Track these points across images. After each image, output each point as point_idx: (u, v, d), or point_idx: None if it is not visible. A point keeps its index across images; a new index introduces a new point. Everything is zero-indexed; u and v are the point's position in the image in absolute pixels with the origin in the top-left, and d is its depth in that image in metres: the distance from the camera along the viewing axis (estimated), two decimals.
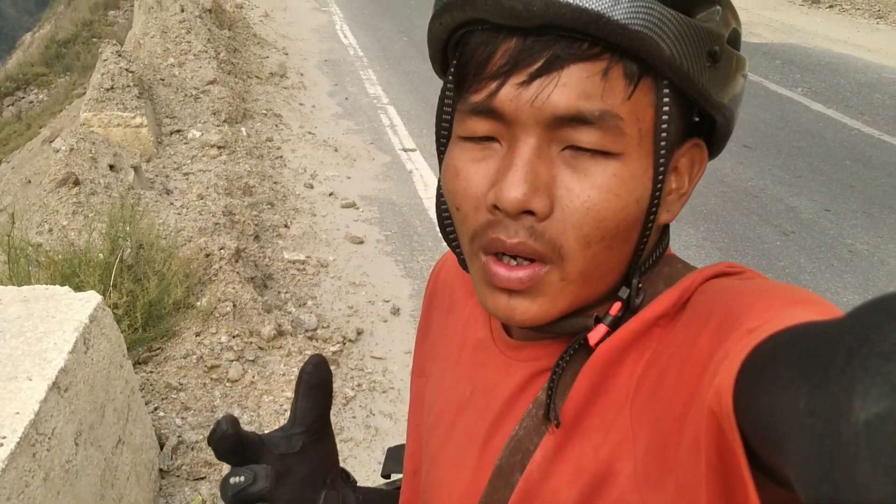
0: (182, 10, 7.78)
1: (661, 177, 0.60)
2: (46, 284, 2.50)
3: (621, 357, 0.61)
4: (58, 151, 4.32)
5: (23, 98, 17.83)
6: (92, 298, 2.25)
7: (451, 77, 0.63)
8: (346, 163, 6.15)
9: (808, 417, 0.34)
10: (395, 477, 1.07)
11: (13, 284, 2.81)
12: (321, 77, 8.42)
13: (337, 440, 3.00)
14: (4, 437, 1.69)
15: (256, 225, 4.61)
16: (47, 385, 1.87)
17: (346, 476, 0.93)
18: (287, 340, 3.51)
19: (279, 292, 4.08)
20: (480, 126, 0.60)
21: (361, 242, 4.86)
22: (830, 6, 11.43)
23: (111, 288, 3.14)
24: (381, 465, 1.10)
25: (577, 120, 0.57)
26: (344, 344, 3.70)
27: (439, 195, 0.70)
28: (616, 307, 0.64)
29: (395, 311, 4.09)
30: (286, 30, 10.27)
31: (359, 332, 3.82)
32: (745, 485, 0.43)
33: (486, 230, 0.61)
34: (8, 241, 3.13)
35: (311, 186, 5.63)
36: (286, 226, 4.88)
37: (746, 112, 7.21)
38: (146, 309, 3.21)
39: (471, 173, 0.62)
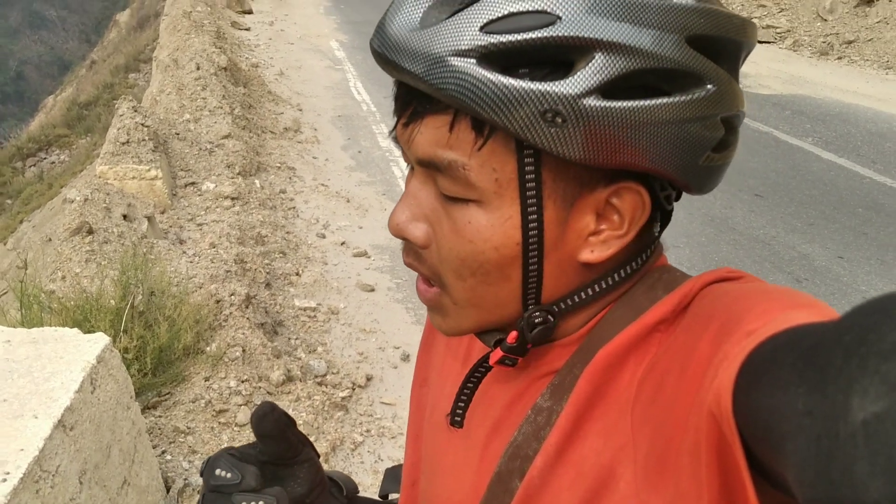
0: (198, 69, 7.95)
1: (533, 224, 0.60)
2: (58, 328, 2.52)
3: (621, 362, 0.61)
4: (72, 202, 4.39)
5: (45, 158, 18.17)
6: (100, 340, 2.26)
7: None
8: (358, 213, 6.21)
9: (806, 418, 0.34)
10: (392, 496, 1.06)
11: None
12: (334, 131, 8.54)
13: None
14: (8, 473, 1.69)
15: (268, 273, 4.64)
16: (53, 423, 1.87)
17: (338, 489, 0.93)
18: (296, 386, 3.51)
19: (289, 338, 4.09)
20: (405, 155, 0.65)
21: (372, 290, 4.88)
22: (839, 58, 11.52)
23: (122, 333, 3.16)
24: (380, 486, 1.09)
25: (432, 166, 0.61)
26: (353, 390, 3.69)
27: None
28: (512, 336, 0.66)
29: (405, 358, 4.08)
30: (301, 87, 10.46)
31: (368, 378, 3.81)
32: (745, 488, 0.43)
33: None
34: (20, 287, 3.16)
35: (324, 236, 5.68)
36: (297, 274, 4.91)
37: (757, 161, 7.23)
38: (156, 354, 3.22)
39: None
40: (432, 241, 0.63)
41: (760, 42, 12.79)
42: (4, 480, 1.66)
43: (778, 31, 12.87)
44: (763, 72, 10.80)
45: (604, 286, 0.66)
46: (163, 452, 2.92)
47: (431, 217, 0.63)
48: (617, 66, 0.54)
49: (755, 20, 13.26)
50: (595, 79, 0.54)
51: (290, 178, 6.86)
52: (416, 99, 0.59)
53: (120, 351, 2.83)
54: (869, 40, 11.61)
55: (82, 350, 2.19)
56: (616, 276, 0.66)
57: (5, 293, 5.20)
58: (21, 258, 5.31)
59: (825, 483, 0.31)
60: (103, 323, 3.13)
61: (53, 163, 17.76)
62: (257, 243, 5.03)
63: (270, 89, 9.75)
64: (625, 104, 0.55)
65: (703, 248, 5.53)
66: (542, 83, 0.54)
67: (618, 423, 0.60)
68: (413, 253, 0.65)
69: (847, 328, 0.34)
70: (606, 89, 0.54)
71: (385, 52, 0.58)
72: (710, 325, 0.52)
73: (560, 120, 0.54)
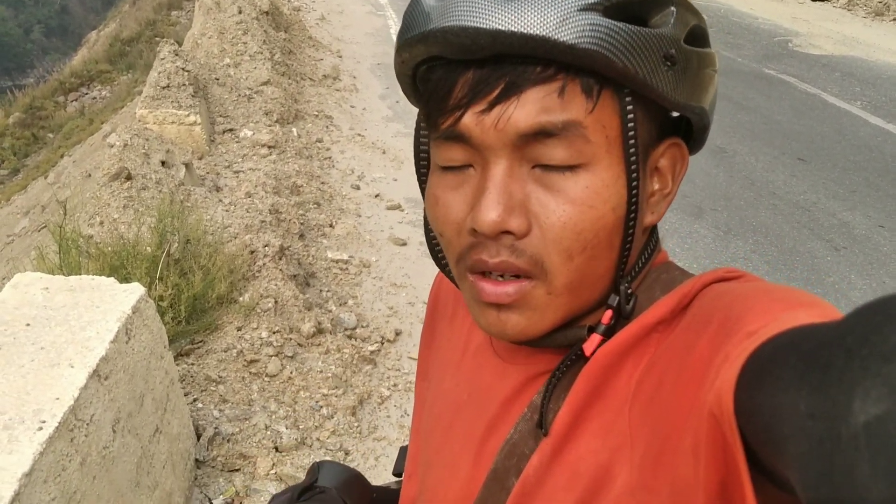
0: (240, 12, 7.92)
1: (635, 182, 0.61)
2: (95, 275, 2.57)
3: (619, 362, 0.62)
4: (112, 147, 4.44)
5: (86, 94, 18.29)
6: (136, 290, 2.30)
7: (420, 112, 0.66)
8: (393, 165, 6.20)
9: (808, 420, 0.34)
10: (404, 476, 1.08)
11: (63, 274, 2.89)
12: (373, 80, 8.49)
13: (370, 439, 3.02)
14: (44, 422, 1.74)
15: (302, 224, 4.67)
16: (88, 372, 1.92)
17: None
18: (326, 338, 3.55)
19: (321, 290, 4.13)
20: (454, 153, 0.62)
21: (405, 244, 4.89)
22: (895, 19, 11.15)
23: (157, 280, 3.22)
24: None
25: (542, 134, 0.58)
26: (382, 344, 3.73)
27: (426, 222, 0.72)
28: (608, 315, 0.64)
29: None
30: (341, 33, 10.38)
31: (397, 333, 3.85)
32: (744, 488, 0.43)
33: (470, 252, 0.63)
34: (60, 231, 3.22)
35: (358, 188, 5.69)
36: (331, 225, 4.94)
37: (802, 124, 7.07)
38: (190, 302, 3.28)
39: (449, 200, 0.64)
40: (532, 228, 0.60)
41: (814, 0, 12.41)
42: (40, 429, 1.72)
43: None
44: (815, 31, 10.50)
45: (644, 258, 0.68)
46: (194, 400, 3.00)
47: (527, 203, 0.60)
48: (688, 18, 0.62)
49: None
50: (684, 27, 0.61)
51: (326, 126, 6.85)
52: (508, 74, 0.57)
53: (154, 299, 2.89)
54: None
55: (118, 300, 2.24)
56: (645, 255, 0.68)
57: (44, 227, 5.30)
58: (61, 195, 5.40)
59: (827, 485, 0.31)
60: (139, 270, 3.19)
61: (95, 98, 17.88)
62: (292, 193, 5.06)
63: (311, 34, 9.70)
64: (698, 49, 0.63)
65: (741, 211, 5.45)
66: (658, 29, 0.58)
67: (615, 422, 0.60)
68: (506, 249, 0.61)
69: (849, 329, 0.34)
70: (688, 36, 0.61)
71: (478, 25, 0.55)
72: (710, 325, 0.52)
73: (671, 63, 0.59)
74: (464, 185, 0.63)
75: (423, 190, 0.70)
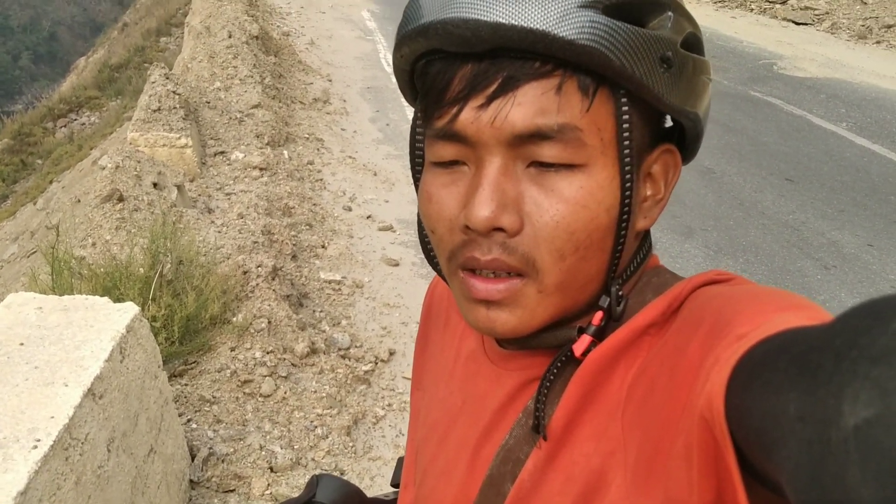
0: (230, 36, 7.95)
1: (629, 184, 0.61)
2: (88, 295, 2.56)
3: (611, 366, 0.62)
4: (104, 169, 4.43)
5: (75, 120, 18.26)
6: (129, 309, 2.29)
7: (417, 108, 0.66)
8: (384, 187, 6.21)
9: (798, 423, 0.34)
10: (401, 486, 1.08)
11: (55, 295, 2.88)
12: (363, 104, 8.53)
13: (365, 459, 3.00)
14: (39, 440, 1.73)
15: (294, 245, 4.67)
16: (83, 391, 1.91)
17: None
18: (320, 358, 3.54)
19: (314, 311, 4.12)
20: (447, 150, 0.62)
21: (397, 265, 4.89)
22: (878, 42, 11.28)
23: (150, 301, 3.20)
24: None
25: (536, 136, 0.58)
26: (376, 364, 3.72)
27: (420, 220, 0.72)
28: (598, 316, 0.64)
29: None
30: (331, 57, 10.43)
31: (391, 353, 3.84)
32: (736, 491, 0.43)
33: (462, 249, 0.63)
34: (52, 253, 3.21)
35: (350, 209, 5.69)
36: (323, 246, 4.94)
37: (789, 145, 7.13)
38: (183, 323, 3.26)
39: (442, 197, 0.64)
40: (525, 226, 0.60)
41: (798, 23, 12.56)
42: (35, 447, 1.70)
43: (816, 12, 12.62)
44: (799, 54, 10.62)
45: (636, 262, 0.68)
46: (188, 421, 2.97)
47: (520, 201, 0.60)
48: (684, 24, 0.63)
49: (793, 1, 13.03)
50: (680, 31, 0.62)
51: (318, 149, 6.87)
52: (506, 69, 0.58)
53: (148, 319, 2.87)
54: None
55: (112, 319, 2.23)
56: (637, 259, 0.69)
57: (34, 252, 5.28)
58: (50, 220, 5.38)
59: (817, 488, 0.31)
60: (132, 291, 3.18)
61: (84, 124, 17.85)
62: (284, 214, 5.06)
63: (301, 59, 9.75)
64: (694, 55, 0.64)
65: (730, 231, 5.48)
66: (655, 31, 0.59)
67: (608, 426, 0.60)
68: (498, 247, 0.61)
69: (838, 332, 0.34)
70: (683, 42, 0.62)
71: (479, 17, 0.56)
72: (700, 328, 0.52)
73: (667, 65, 0.60)
74: (457, 182, 0.63)
75: (417, 187, 0.70)
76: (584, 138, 0.59)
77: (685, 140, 0.69)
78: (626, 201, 0.61)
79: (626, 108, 0.60)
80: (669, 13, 0.61)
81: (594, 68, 0.57)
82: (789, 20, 12.67)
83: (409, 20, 0.61)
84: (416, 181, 0.70)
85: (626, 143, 0.60)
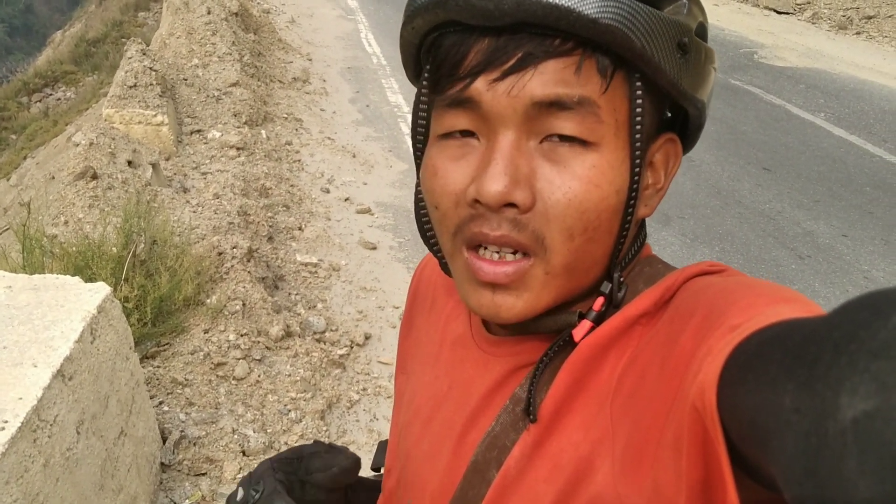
0: (209, 13, 7.85)
1: (637, 169, 0.61)
2: (59, 275, 2.52)
3: (603, 354, 0.61)
4: (78, 145, 4.36)
5: (51, 95, 18.01)
6: (101, 289, 2.26)
7: (425, 80, 0.64)
8: (363, 169, 6.18)
9: (794, 414, 0.33)
10: (384, 470, 1.07)
11: (26, 274, 2.84)
12: (343, 84, 8.47)
13: (339, 443, 3.00)
14: (6, 422, 1.70)
15: (271, 226, 4.64)
16: (52, 372, 1.88)
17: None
18: (295, 342, 3.53)
19: (289, 294, 4.10)
20: (459, 120, 0.61)
21: (374, 248, 4.88)
22: (858, 33, 11.35)
23: (122, 282, 3.17)
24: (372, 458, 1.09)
25: (555, 105, 0.57)
26: (351, 348, 3.71)
27: (418, 198, 0.70)
28: (599, 302, 0.64)
29: None
30: (311, 36, 10.34)
31: (367, 337, 3.83)
32: (726, 483, 0.43)
33: (468, 225, 0.61)
34: (23, 231, 3.16)
35: (328, 191, 5.66)
36: (300, 228, 4.91)
37: (767, 135, 7.17)
38: (156, 304, 3.23)
39: (449, 171, 0.62)
40: (536, 203, 0.59)
41: (779, 13, 12.60)
42: (2, 429, 1.68)
43: (797, 2, 12.67)
44: (780, 43, 10.67)
45: (634, 250, 0.68)
46: (160, 403, 2.95)
47: (533, 178, 0.59)
48: (697, 13, 0.63)
49: None
50: (694, 19, 0.63)
51: (296, 129, 6.82)
52: (525, 45, 0.56)
53: (120, 300, 2.84)
54: (889, 16, 11.44)
55: (83, 299, 2.20)
56: (635, 247, 0.69)
57: (6, 230, 5.21)
58: (24, 197, 5.30)
59: (813, 481, 0.31)
60: (104, 270, 3.14)
61: (59, 99, 17.61)
62: (261, 195, 5.02)
63: (281, 37, 9.66)
64: (705, 43, 0.64)
65: (707, 220, 5.51)
66: (674, 16, 0.59)
67: (597, 415, 0.60)
68: (508, 223, 0.59)
69: (837, 325, 0.34)
70: (697, 28, 0.63)
71: None
72: (693, 319, 0.52)
73: (683, 51, 0.60)
74: (466, 156, 0.62)
75: (418, 165, 0.68)
76: (601, 115, 0.58)
77: (687, 130, 0.69)
78: (635, 185, 0.61)
79: (639, 93, 0.60)
80: (684, 0, 0.62)
81: (615, 49, 0.57)
82: (771, 9, 12.72)
83: None
84: (418, 160, 0.69)
85: (638, 127, 0.60)
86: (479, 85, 0.58)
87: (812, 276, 4.80)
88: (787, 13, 12.49)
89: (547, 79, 0.57)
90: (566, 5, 0.54)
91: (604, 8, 0.54)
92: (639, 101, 0.60)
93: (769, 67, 9.51)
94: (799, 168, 6.51)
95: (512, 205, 0.59)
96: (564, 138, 0.59)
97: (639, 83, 0.59)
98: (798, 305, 0.47)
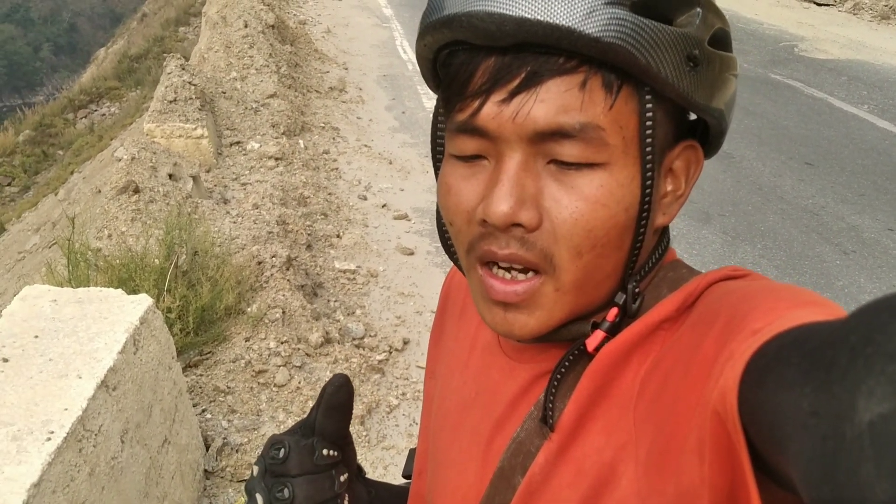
0: (246, 26, 7.97)
1: (649, 182, 0.61)
2: (102, 287, 2.58)
3: (625, 360, 0.61)
4: (120, 160, 4.46)
5: (95, 111, 18.41)
6: (143, 301, 2.31)
7: (439, 98, 0.65)
8: (400, 175, 6.21)
9: (812, 418, 0.34)
10: (414, 473, 1.08)
11: (72, 287, 2.91)
12: (379, 91, 8.52)
13: (379, 448, 3.01)
14: (52, 432, 1.75)
15: (309, 234, 4.68)
16: (96, 383, 1.93)
17: (359, 470, 0.95)
18: (334, 348, 3.56)
19: (328, 301, 4.14)
20: (468, 144, 0.62)
21: (412, 254, 4.90)
22: None
23: (165, 292, 3.23)
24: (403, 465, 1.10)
25: (558, 134, 0.58)
26: (390, 353, 3.73)
27: (438, 211, 0.71)
28: (613, 313, 0.64)
29: None
30: (347, 45, 10.43)
31: (405, 342, 3.85)
32: (748, 487, 0.43)
33: (480, 243, 0.63)
34: (68, 245, 3.24)
35: (365, 198, 5.70)
36: (338, 236, 4.95)
37: (809, 129, 7.06)
38: (198, 313, 3.28)
39: (461, 189, 0.63)
40: (543, 222, 0.60)
41: (819, 4, 12.39)
42: (49, 439, 1.72)
43: None
44: (820, 35, 10.49)
45: (654, 258, 0.68)
46: (203, 411, 3.00)
47: (540, 197, 0.59)
48: (712, 20, 0.62)
49: None
50: (708, 28, 0.61)
51: (333, 138, 6.88)
52: (530, 64, 0.57)
53: (163, 310, 2.90)
54: None
55: (126, 311, 2.25)
56: (655, 255, 0.68)
57: (54, 244, 5.33)
58: (71, 211, 5.43)
59: (830, 484, 0.31)
60: (147, 282, 3.20)
61: (104, 115, 17.98)
62: (300, 204, 5.08)
63: (317, 47, 9.75)
64: (721, 52, 0.63)
65: (749, 216, 5.44)
66: (683, 28, 0.58)
67: (620, 421, 0.60)
68: (516, 241, 0.60)
69: (853, 328, 0.34)
70: (711, 38, 0.62)
71: (504, 11, 0.55)
72: (715, 324, 0.52)
73: (693, 63, 0.59)
74: (477, 175, 0.62)
75: (437, 176, 0.69)
76: (605, 138, 0.58)
77: (708, 135, 0.68)
78: (646, 200, 0.61)
79: (649, 107, 0.59)
80: (698, 9, 0.60)
81: (619, 66, 0.57)
82: (811, 1, 12.50)
83: (434, 10, 0.61)
84: (437, 171, 0.70)
85: (649, 140, 0.60)
86: (487, 111, 0.59)
87: (857, 272, 4.71)
88: (828, 4, 12.27)
89: (549, 106, 0.57)
90: (567, 25, 0.54)
91: (606, 26, 0.54)
92: (648, 114, 0.59)
93: (810, 60, 9.35)
94: (842, 162, 6.39)
95: (519, 224, 0.60)
96: (569, 164, 0.59)
97: (648, 97, 0.59)
98: (819, 308, 0.46)
